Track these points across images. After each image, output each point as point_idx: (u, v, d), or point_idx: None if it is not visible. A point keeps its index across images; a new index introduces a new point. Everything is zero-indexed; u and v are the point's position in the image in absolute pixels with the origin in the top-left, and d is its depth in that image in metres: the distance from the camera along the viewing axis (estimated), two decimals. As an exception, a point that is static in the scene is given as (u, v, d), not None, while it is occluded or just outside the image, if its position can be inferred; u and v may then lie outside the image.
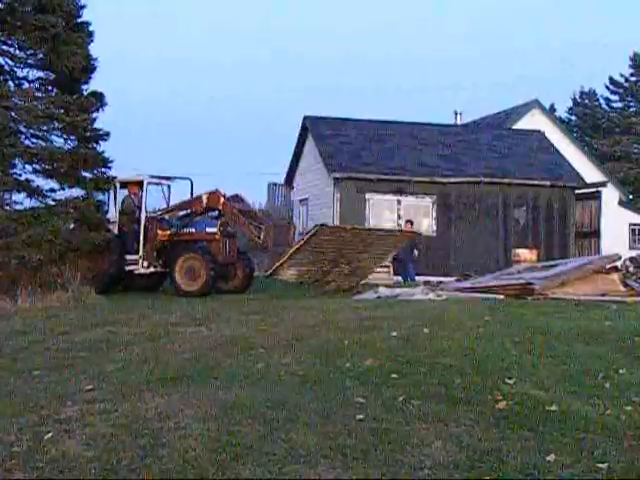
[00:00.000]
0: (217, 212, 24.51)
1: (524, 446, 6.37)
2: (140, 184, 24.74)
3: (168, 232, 24.20)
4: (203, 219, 24.91)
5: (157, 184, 25.57)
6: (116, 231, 24.43)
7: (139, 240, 24.32)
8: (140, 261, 24.26)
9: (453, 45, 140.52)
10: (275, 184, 39.05)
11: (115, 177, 24.67)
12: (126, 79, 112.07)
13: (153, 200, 25.51)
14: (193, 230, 24.10)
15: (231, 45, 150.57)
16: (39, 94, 24.15)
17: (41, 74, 24.47)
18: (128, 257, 24.33)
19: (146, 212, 24.48)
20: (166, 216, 24.71)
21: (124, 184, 25.06)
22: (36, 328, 15.19)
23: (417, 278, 27.41)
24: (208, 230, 23.78)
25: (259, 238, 23.24)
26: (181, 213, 24.93)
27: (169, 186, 25.94)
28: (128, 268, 24.40)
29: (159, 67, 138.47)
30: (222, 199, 23.42)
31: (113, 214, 24.68)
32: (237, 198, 24.59)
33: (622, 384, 8.60)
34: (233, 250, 24.08)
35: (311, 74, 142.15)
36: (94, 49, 24.96)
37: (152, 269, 24.42)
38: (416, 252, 27.60)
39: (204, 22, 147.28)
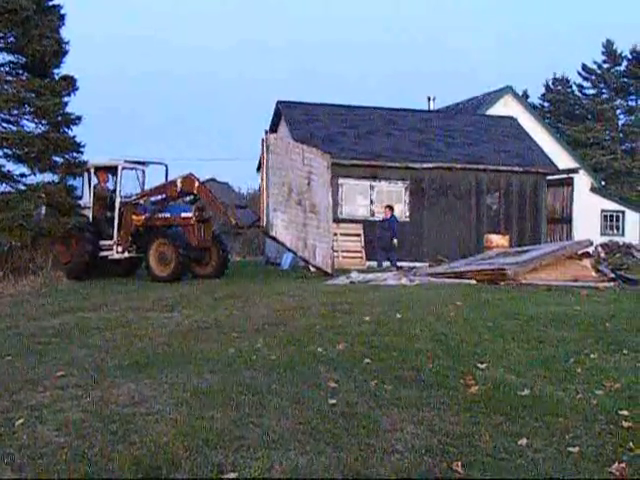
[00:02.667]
0: (192, 196, 24.46)
1: (496, 430, 6.39)
2: (114, 169, 24.63)
3: (143, 217, 24.09)
4: (178, 204, 24.83)
5: (132, 169, 25.46)
6: (90, 216, 24.32)
7: (113, 225, 24.22)
8: (114, 247, 24.17)
9: (428, 31, 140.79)
10: None
11: (87, 161, 24.53)
12: (98, 60, 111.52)
13: (128, 185, 25.42)
14: (168, 215, 23.99)
15: (198, 29, 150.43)
16: (9, 78, 23.97)
17: (12, 58, 24.30)
18: (102, 243, 24.24)
19: (120, 197, 24.37)
20: (141, 201, 24.60)
21: (98, 169, 24.92)
22: (8, 314, 15.12)
23: (387, 263, 27.45)
24: (183, 215, 23.69)
25: (234, 220, 23.22)
26: (155, 198, 24.82)
27: (144, 171, 25.84)
28: (102, 254, 24.29)
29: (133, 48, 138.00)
30: (196, 183, 23.32)
31: (87, 199, 24.55)
32: (212, 182, 24.51)
33: (593, 369, 8.65)
34: (208, 235, 23.99)
35: (285, 59, 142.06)
36: (65, 32, 24.80)
37: (127, 254, 24.32)
38: (395, 241, 27.56)
39: (174, 5, 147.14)
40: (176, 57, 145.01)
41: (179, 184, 23.63)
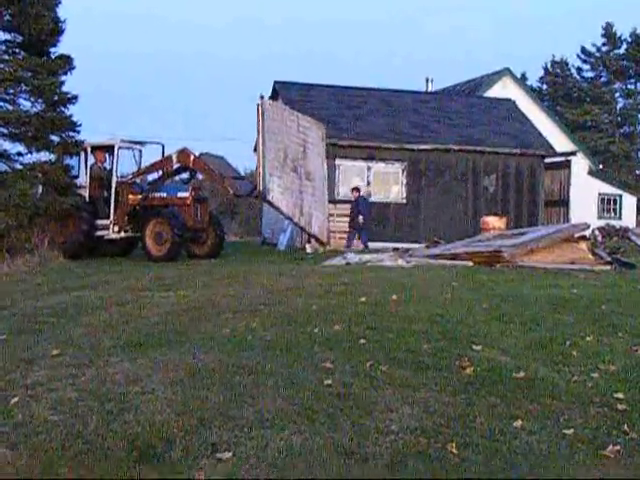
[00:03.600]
0: (189, 173, 24.53)
1: (491, 412, 6.40)
2: (111, 148, 24.62)
3: (139, 196, 24.09)
4: (175, 184, 24.86)
5: (128, 149, 25.45)
6: (87, 196, 24.31)
7: (110, 205, 24.21)
8: (111, 226, 24.17)
9: (425, 12, 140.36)
10: None
11: (84, 141, 24.53)
12: (94, 38, 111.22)
13: (125, 165, 25.46)
14: (164, 195, 24.00)
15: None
16: (6, 57, 23.95)
17: (8, 36, 24.28)
18: (99, 222, 24.24)
19: (117, 176, 24.36)
20: (137, 180, 24.61)
21: (95, 148, 24.90)
22: (3, 293, 15.11)
23: (383, 245, 27.42)
24: (179, 195, 23.73)
25: (232, 189, 23.28)
26: (151, 177, 24.86)
27: (140, 151, 25.85)
28: (99, 233, 24.31)
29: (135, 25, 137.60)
30: (192, 156, 23.38)
31: (84, 179, 24.54)
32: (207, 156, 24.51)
33: (589, 351, 8.66)
34: (204, 215, 24.02)
35: (281, 39, 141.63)
36: (62, 11, 24.76)
37: (123, 234, 24.33)
38: (361, 218, 27.45)
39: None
40: (173, 35, 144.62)
41: (175, 158, 23.70)
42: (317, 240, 25.04)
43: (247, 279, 15.92)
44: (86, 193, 24.35)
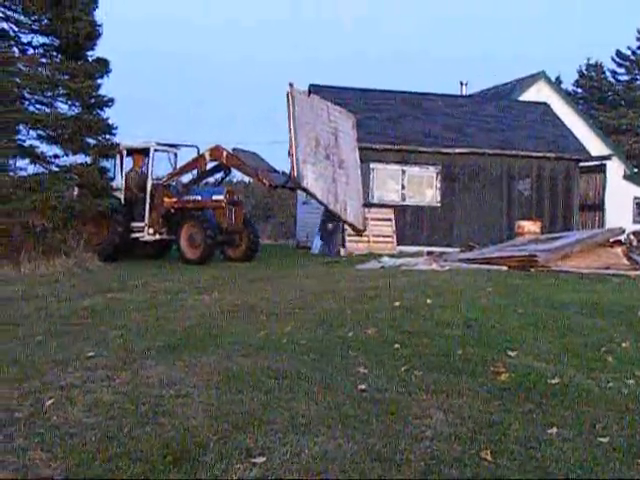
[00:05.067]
0: (222, 172, 24.65)
1: (526, 419, 6.36)
2: (146, 151, 24.78)
3: (174, 199, 24.22)
4: (210, 187, 24.97)
5: (164, 152, 25.60)
6: (122, 198, 24.48)
7: (145, 207, 24.36)
8: (146, 228, 24.31)
9: (464, 16, 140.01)
10: None
11: (119, 143, 24.70)
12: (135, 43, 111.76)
13: (161, 168, 25.65)
14: (199, 197, 24.12)
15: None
16: (44, 60, 24.13)
17: (46, 40, 24.50)
18: (134, 224, 24.40)
19: (152, 179, 24.51)
20: (173, 183, 24.76)
21: (131, 151, 25.08)
22: (39, 294, 15.23)
23: (418, 248, 27.40)
24: (214, 197, 23.83)
25: (267, 180, 23.31)
26: (186, 179, 25.00)
27: (176, 154, 25.98)
28: (134, 235, 24.47)
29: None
30: (225, 152, 23.46)
31: (119, 181, 24.72)
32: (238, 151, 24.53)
33: (625, 357, 8.59)
34: (239, 218, 24.07)
35: (313, 42, 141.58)
36: (99, 15, 24.96)
37: (157, 237, 24.47)
38: (330, 225, 27.30)
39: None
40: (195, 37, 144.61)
41: (207, 156, 23.84)
42: (353, 228, 24.99)
43: (281, 282, 15.96)
44: (122, 196, 24.51)
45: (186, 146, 26.43)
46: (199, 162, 24.26)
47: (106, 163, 24.97)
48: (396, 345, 9.01)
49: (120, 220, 24.12)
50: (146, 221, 24.34)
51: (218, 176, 25.91)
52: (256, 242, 24.97)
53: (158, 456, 5.45)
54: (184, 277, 17.89)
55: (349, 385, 7.25)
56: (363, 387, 7.17)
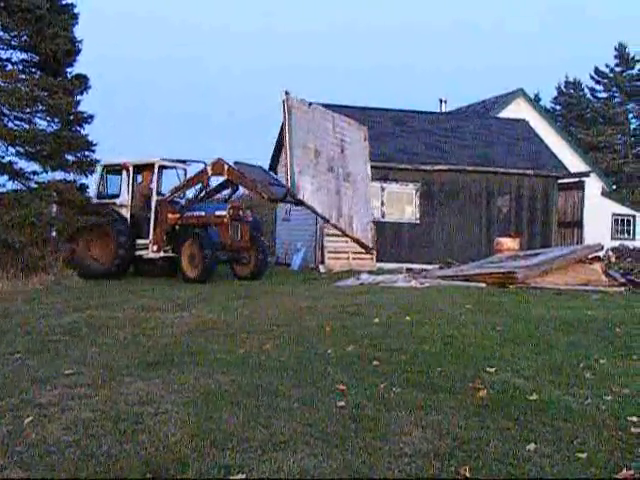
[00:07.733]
0: (230, 189, 24.41)
1: (504, 435, 6.38)
2: (151, 167, 24.63)
3: (178, 215, 23.91)
4: (214, 202, 24.69)
5: (172, 168, 25.48)
6: (128, 215, 24.28)
7: (150, 224, 24.09)
8: (150, 245, 24.03)
9: (439, 31, 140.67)
10: None
11: (99, 160, 24.60)
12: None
13: (170, 185, 25.40)
14: (202, 213, 23.76)
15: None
16: (23, 76, 24.04)
17: (25, 56, 24.44)
18: (139, 241, 24.17)
19: (157, 195, 24.26)
20: (180, 199, 24.54)
21: (138, 167, 24.92)
22: (17, 311, 15.15)
23: (397, 265, 27.43)
24: (217, 213, 23.43)
25: (266, 194, 22.93)
26: (189, 195, 24.75)
27: (185, 170, 25.77)
28: (138, 253, 24.21)
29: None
30: (226, 166, 23.07)
31: (125, 198, 24.51)
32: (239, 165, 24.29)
33: (602, 374, 8.63)
34: (245, 234, 23.78)
35: (292, 52, 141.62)
36: (78, 31, 24.92)
37: (162, 254, 24.13)
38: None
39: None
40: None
41: (209, 170, 23.46)
42: (360, 245, 24.43)
43: (261, 299, 15.95)
44: (127, 212, 24.33)
45: (194, 162, 26.13)
46: (201, 177, 23.91)
47: (85, 180, 24.87)
48: (375, 362, 9.02)
49: (123, 237, 23.81)
50: (150, 238, 24.25)
51: (226, 192, 25.45)
52: (263, 260, 24.58)
53: (137, 474, 5.44)
54: (164, 294, 17.85)
55: (328, 402, 7.25)
56: (342, 404, 7.17)
